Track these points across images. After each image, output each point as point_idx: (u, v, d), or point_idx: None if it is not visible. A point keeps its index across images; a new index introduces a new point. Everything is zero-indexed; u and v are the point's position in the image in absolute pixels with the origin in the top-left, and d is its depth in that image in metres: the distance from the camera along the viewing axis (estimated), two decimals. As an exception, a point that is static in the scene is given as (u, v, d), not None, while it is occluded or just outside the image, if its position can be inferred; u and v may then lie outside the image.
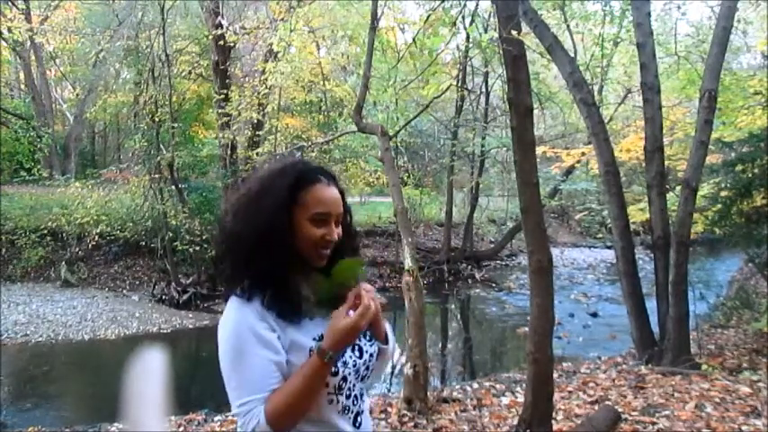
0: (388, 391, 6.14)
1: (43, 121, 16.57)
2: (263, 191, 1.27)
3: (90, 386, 7.24)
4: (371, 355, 1.35)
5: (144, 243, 11.69)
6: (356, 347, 1.31)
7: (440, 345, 9.12)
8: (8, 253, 11.82)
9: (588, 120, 5.98)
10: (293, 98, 14.90)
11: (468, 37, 7.68)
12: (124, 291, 11.58)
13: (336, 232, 1.30)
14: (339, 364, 1.24)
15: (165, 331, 9.32)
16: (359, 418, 1.33)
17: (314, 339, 1.25)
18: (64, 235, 11.83)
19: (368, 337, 1.36)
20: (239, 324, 1.20)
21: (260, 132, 12.72)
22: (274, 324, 1.22)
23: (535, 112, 3.89)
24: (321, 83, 13.31)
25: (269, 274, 1.23)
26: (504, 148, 13.69)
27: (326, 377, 1.22)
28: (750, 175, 5.58)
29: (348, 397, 1.30)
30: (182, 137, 14.49)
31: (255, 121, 12.62)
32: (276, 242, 1.23)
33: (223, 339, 1.22)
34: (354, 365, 1.29)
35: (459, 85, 11.19)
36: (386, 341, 1.40)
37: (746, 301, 8.21)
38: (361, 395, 1.36)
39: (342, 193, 1.35)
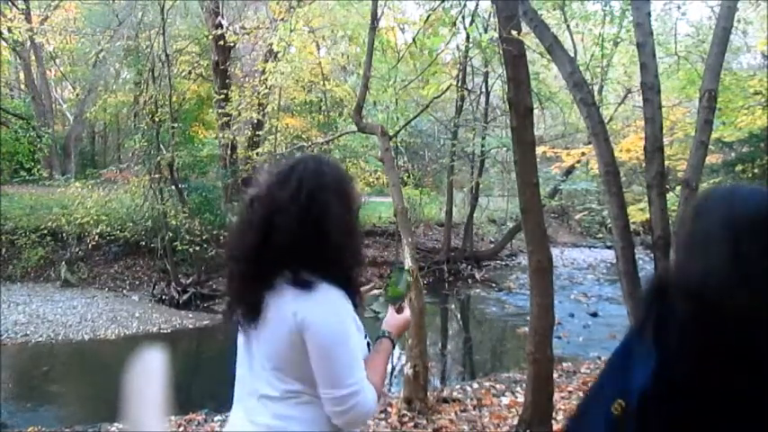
0: (389, 391, 6.14)
1: (43, 121, 16.55)
2: (350, 194, 1.39)
3: (90, 386, 7.25)
4: None
5: (144, 243, 11.69)
6: None
7: (440, 345, 9.12)
8: (8, 253, 11.81)
9: (588, 120, 5.94)
10: (293, 98, 14.89)
11: (468, 37, 7.68)
12: (124, 291, 11.58)
13: None
14: None
15: (165, 331, 9.32)
16: None
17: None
18: (64, 235, 11.82)
19: None
20: (342, 310, 1.32)
21: (260, 132, 12.72)
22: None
23: (535, 112, 3.89)
24: (321, 83, 13.30)
25: (360, 264, 1.43)
26: (504, 148, 13.67)
27: None
28: (750, 175, 5.59)
29: None
30: (182, 137, 14.48)
31: (255, 121, 12.62)
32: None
33: (335, 321, 1.30)
34: None
35: (459, 85, 11.18)
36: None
37: (746, 301, 8.20)
38: None
39: None
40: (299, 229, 1.29)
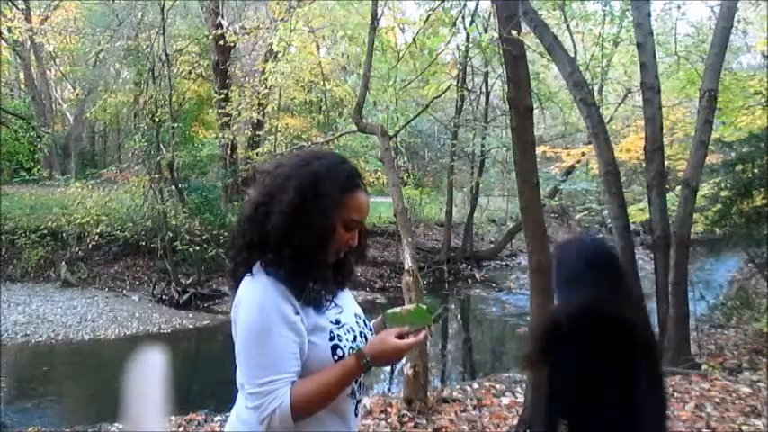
0: (389, 390, 6.14)
1: (43, 121, 16.56)
2: (319, 191, 1.27)
3: (90, 386, 7.24)
4: None
5: (144, 243, 11.69)
6: (365, 338, 1.38)
7: (440, 345, 9.12)
8: (8, 253, 11.81)
9: (588, 120, 5.96)
10: (293, 98, 14.91)
11: (468, 37, 7.68)
12: (124, 291, 11.58)
13: (355, 238, 1.36)
14: None
15: (165, 331, 9.32)
16: (358, 406, 1.39)
17: (331, 323, 1.31)
18: (64, 235, 11.82)
19: (371, 332, 1.44)
20: (266, 304, 1.22)
21: (260, 132, 12.74)
22: (299, 307, 1.25)
23: (535, 112, 3.89)
24: (321, 83, 13.32)
25: (313, 265, 1.28)
26: (504, 148, 13.67)
27: (357, 378, 1.29)
28: (750, 175, 5.58)
29: (359, 386, 1.38)
30: (182, 137, 14.47)
31: (255, 121, 12.63)
32: (327, 240, 1.29)
33: (247, 316, 1.22)
34: None
35: (459, 85, 11.20)
36: None
37: (746, 301, 8.20)
38: (362, 384, 1.43)
39: None
40: (251, 220, 1.30)
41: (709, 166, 6.15)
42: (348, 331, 1.34)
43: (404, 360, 4.70)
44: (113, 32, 13.23)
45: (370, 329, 1.45)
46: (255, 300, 1.23)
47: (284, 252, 1.25)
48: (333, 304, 1.35)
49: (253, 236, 1.29)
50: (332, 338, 1.29)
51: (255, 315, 1.21)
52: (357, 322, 1.40)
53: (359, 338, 1.36)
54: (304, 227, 1.25)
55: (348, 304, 1.42)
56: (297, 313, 1.24)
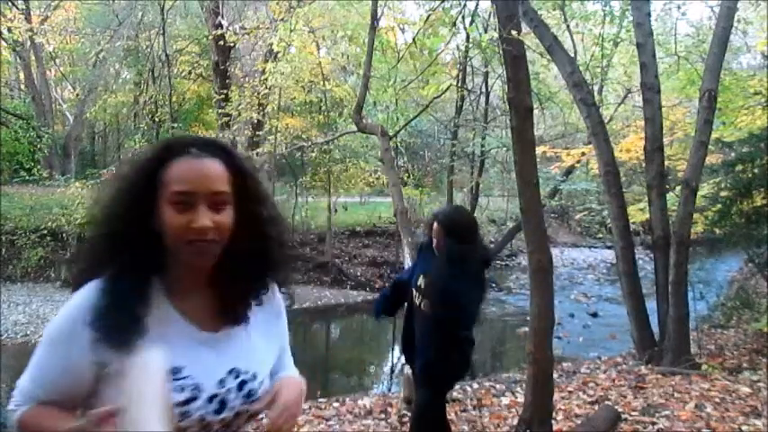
0: (389, 390, 6.13)
1: (43, 121, 16.55)
2: (128, 173, 1.04)
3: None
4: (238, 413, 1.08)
5: (144, 243, 11.65)
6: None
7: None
8: (8, 253, 11.80)
9: (588, 120, 5.98)
10: (293, 98, 14.88)
11: (468, 37, 7.68)
12: (124, 291, 11.56)
13: (215, 219, 0.98)
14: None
15: (165, 331, 9.30)
16: None
17: None
18: (64, 235, 11.82)
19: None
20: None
21: (260, 132, 12.73)
22: None
23: (535, 112, 3.88)
24: (321, 83, 13.31)
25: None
26: (504, 148, 13.67)
27: None
28: (750, 175, 5.58)
29: None
30: (182, 137, 14.48)
31: (255, 121, 12.63)
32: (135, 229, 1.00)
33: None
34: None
35: (459, 85, 11.20)
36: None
37: (746, 301, 8.19)
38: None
39: (238, 168, 1.04)
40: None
41: (709, 166, 6.15)
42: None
43: (404, 360, 4.70)
44: (113, 32, 13.26)
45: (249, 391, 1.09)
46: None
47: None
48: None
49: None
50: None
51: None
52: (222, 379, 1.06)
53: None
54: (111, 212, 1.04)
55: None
56: None
